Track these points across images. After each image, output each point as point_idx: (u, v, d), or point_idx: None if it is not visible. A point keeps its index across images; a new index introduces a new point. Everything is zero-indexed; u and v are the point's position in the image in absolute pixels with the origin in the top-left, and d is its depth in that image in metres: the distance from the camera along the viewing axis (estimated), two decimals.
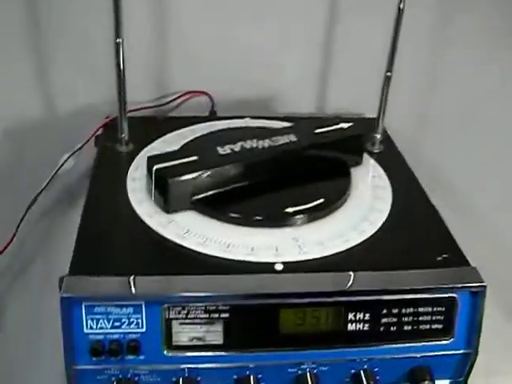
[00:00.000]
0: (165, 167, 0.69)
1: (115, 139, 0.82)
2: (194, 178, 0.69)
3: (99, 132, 0.86)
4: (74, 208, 0.85)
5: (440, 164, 0.96)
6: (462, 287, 0.63)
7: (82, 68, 0.90)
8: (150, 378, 0.63)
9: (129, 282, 0.60)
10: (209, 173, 0.70)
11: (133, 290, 0.60)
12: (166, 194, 0.68)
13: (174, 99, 0.92)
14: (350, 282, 0.62)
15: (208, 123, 0.87)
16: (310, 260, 0.64)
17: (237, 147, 0.73)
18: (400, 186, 0.76)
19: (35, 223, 0.91)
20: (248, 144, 0.74)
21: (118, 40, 0.74)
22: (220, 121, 0.87)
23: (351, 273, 0.63)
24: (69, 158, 0.85)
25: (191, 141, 0.81)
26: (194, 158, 0.71)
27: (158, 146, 0.81)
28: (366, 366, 0.65)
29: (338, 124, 0.78)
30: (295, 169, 0.73)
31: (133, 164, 0.78)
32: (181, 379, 0.63)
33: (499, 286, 0.67)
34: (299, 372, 0.64)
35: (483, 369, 0.68)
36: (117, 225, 0.69)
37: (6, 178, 0.93)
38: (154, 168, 0.69)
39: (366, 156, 0.81)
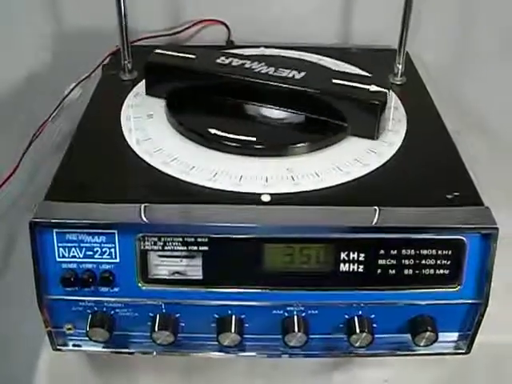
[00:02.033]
0: (160, 53, 0.71)
1: (120, 67, 0.78)
2: (175, 67, 0.69)
3: (106, 61, 0.82)
4: None
5: (473, 101, 0.88)
6: (472, 228, 0.55)
7: None
8: (126, 312, 0.59)
9: (102, 209, 0.56)
10: (195, 68, 0.68)
11: (105, 216, 0.55)
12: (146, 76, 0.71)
13: (188, 28, 0.86)
14: (344, 218, 0.56)
15: None
16: (302, 192, 0.58)
17: (236, 63, 0.69)
18: (418, 119, 0.69)
19: (43, 156, 0.88)
20: (250, 65, 0.69)
21: None
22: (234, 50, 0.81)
23: (346, 207, 0.57)
24: (75, 86, 0.82)
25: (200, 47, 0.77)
26: (192, 56, 0.70)
27: None
28: (360, 312, 0.59)
29: (365, 82, 0.66)
30: (295, 105, 0.67)
31: (132, 91, 0.74)
32: (158, 315, 0.58)
33: None
34: (286, 314, 0.59)
35: (495, 322, 0.61)
36: (104, 151, 0.65)
37: (12, 108, 0.90)
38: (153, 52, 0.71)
39: None
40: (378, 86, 0.66)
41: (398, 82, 0.76)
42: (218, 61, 0.70)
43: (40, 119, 0.81)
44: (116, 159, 0.64)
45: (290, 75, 0.68)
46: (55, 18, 0.88)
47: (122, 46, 0.76)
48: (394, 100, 0.72)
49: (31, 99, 0.88)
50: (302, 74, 0.68)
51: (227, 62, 0.70)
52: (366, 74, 0.76)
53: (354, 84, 0.66)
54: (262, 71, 0.68)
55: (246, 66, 0.69)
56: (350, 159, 0.62)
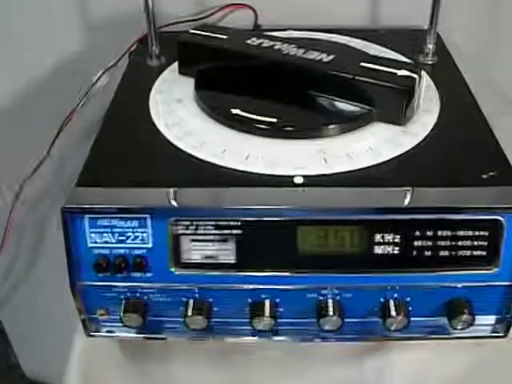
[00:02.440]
0: (193, 33, 0.72)
1: (148, 54, 0.77)
2: (207, 46, 0.70)
3: (133, 48, 0.82)
4: None
5: (505, 82, 0.86)
6: (509, 208, 0.54)
7: None
8: (160, 298, 0.59)
9: (134, 194, 0.56)
10: (226, 48, 0.69)
11: (137, 201, 0.55)
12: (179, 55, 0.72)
13: (214, 12, 0.85)
14: (379, 199, 0.55)
15: None
16: (334, 174, 0.58)
17: (267, 44, 0.69)
18: (450, 98, 0.68)
19: (73, 144, 0.89)
20: (280, 46, 0.68)
21: None
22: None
23: (380, 188, 0.56)
24: (102, 74, 0.82)
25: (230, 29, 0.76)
26: (224, 36, 0.71)
27: None
28: (396, 295, 0.58)
29: (394, 66, 0.64)
30: (323, 87, 0.66)
31: (160, 76, 0.74)
32: (191, 300, 0.58)
33: None
34: (320, 298, 0.58)
35: None
36: (133, 136, 0.65)
37: (41, 97, 0.90)
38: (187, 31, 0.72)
39: None
40: (407, 70, 0.64)
41: (430, 62, 0.75)
42: (249, 41, 0.70)
43: (68, 108, 0.81)
44: (146, 144, 0.64)
45: (319, 58, 0.67)
46: (82, 5, 0.88)
47: (149, 32, 0.75)
48: (425, 80, 0.71)
49: (59, 88, 0.89)
50: (331, 56, 0.67)
51: (258, 42, 0.69)
52: (397, 55, 0.75)
53: (383, 68, 0.64)
54: (291, 53, 0.67)
55: (276, 47, 0.68)
56: (383, 140, 0.61)
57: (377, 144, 0.61)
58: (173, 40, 0.74)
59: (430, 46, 0.74)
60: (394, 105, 0.63)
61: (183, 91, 0.70)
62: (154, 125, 0.65)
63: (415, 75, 0.63)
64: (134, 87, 0.73)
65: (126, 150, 0.63)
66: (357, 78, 0.64)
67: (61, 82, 0.89)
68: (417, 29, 0.80)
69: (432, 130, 0.63)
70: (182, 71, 0.73)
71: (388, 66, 0.65)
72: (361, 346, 0.64)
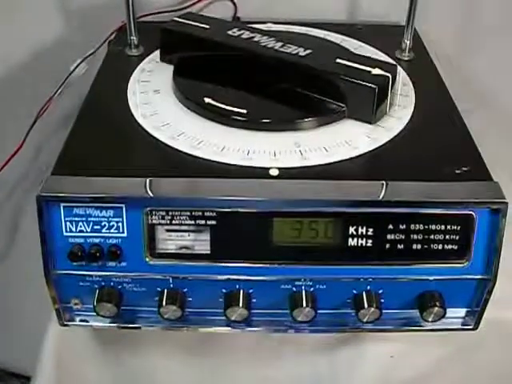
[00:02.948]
0: (177, 21, 0.73)
1: (126, 43, 0.77)
2: (188, 35, 0.71)
3: (112, 37, 0.82)
4: None
5: (482, 78, 0.87)
6: (481, 203, 0.55)
7: None
8: (134, 288, 0.59)
9: (110, 183, 0.56)
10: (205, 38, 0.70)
11: (113, 190, 0.55)
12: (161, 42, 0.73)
13: (195, 3, 0.86)
14: (353, 192, 0.56)
15: None
16: (310, 166, 0.58)
17: (246, 35, 0.70)
18: (426, 94, 0.69)
19: (49, 133, 0.88)
20: (259, 38, 0.69)
21: None
22: None
23: (354, 181, 0.56)
24: (81, 63, 0.81)
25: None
26: (206, 26, 0.71)
27: None
28: (368, 287, 0.59)
29: (369, 65, 0.64)
30: (300, 81, 0.66)
31: (139, 66, 0.74)
32: (165, 290, 0.58)
33: None
34: (294, 289, 0.59)
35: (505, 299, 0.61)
36: (110, 125, 0.65)
37: (17, 85, 0.90)
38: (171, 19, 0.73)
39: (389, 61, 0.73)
40: (382, 69, 0.64)
41: (406, 58, 0.76)
42: (230, 32, 0.70)
43: (45, 96, 0.80)
44: (123, 133, 0.64)
45: (296, 51, 0.67)
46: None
47: (128, 20, 0.75)
48: (401, 75, 0.71)
49: (36, 76, 0.88)
50: (308, 51, 0.67)
51: (238, 33, 0.70)
52: (374, 50, 0.76)
53: (358, 65, 0.65)
54: (269, 45, 0.68)
55: (256, 39, 0.69)
56: (358, 134, 0.62)
57: (352, 138, 0.61)
58: (152, 29, 0.75)
59: (407, 42, 0.75)
60: (365, 103, 0.63)
61: (161, 81, 0.70)
62: (131, 114, 0.65)
63: (389, 74, 0.64)
64: (113, 76, 0.73)
65: (103, 139, 0.63)
66: (330, 73, 0.64)
67: (39, 71, 0.88)
68: (395, 25, 0.81)
69: (407, 125, 0.64)
70: (164, 59, 0.73)
71: (363, 64, 0.65)
72: (333, 337, 0.65)
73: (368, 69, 0.64)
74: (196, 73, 0.70)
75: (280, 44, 0.68)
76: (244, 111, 0.63)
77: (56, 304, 0.60)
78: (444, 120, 0.66)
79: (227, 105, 0.63)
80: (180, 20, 0.73)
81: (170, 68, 0.71)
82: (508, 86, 0.89)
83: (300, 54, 0.67)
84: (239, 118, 0.62)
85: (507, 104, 0.90)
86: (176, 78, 0.68)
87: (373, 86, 0.62)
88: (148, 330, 0.62)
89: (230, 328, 0.61)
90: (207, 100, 0.64)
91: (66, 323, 0.61)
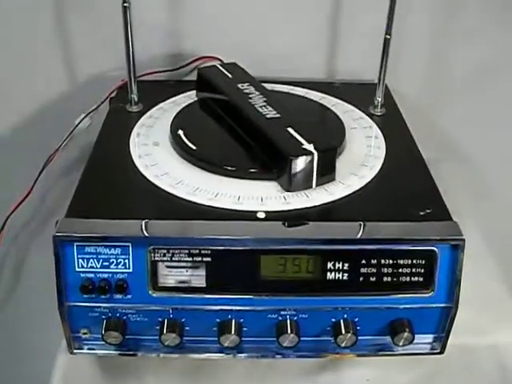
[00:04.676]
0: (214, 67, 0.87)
1: (127, 100, 0.86)
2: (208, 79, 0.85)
3: (113, 94, 0.90)
4: None
5: (449, 130, 0.97)
6: (442, 240, 0.64)
7: (100, 36, 0.94)
8: (137, 318, 0.66)
9: (117, 225, 0.64)
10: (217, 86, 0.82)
11: (120, 231, 0.63)
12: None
13: (188, 64, 0.94)
14: (330, 231, 0.64)
15: None
16: (293, 210, 0.66)
17: (245, 90, 0.80)
18: (396, 146, 0.77)
19: (53, 181, 0.96)
20: (252, 95, 0.79)
21: (125, 4, 0.78)
22: None
23: (331, 222, 0.65)
24: (84, 117, 0.89)
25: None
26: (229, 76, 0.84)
27: (167, 107, 0.85)
28: (345, 316, 0.66)
29: (308, 139, 0.69)
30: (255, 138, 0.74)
31: (140, 121, 0.82)
32: (166, 320, 0.66)
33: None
34: (280, 318, 0.66)
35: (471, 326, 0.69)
36: (115, 175, 0.73)
37: (26, 138, 0.98)
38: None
39: (364, 117, 0.83)
40: (316, 147, 0.68)
41: (378, 113, 0.85)
42: (239, 85, 0.81)
43: (51, 149, 0.88)
44: (127, 181, 0.72)
45: (265, 112, 0.75)
46: (67, 58, 0.96)
47: (129, 79, 0.83)
48: (374, 129, 0.81)
49: (43, 130, 0.96)
50: (274, 113, 0.75)
51: (244, 87, 0.81)
52: (351, 107, 0.85)
53: (299, 138, 0.70)
54: (255, 102, 0.77)
55: (251, 95, 0.78)
56: (335, 181, 0.70)
57: (330, 184, 0.70)
58: (151, 88, 0.86)
59: (379, 99, 0.84)
60: (283, 169, 0.68)
61: (160, 135, 0.78)
62: (135, 165, 0.73)
63: (314, 151, 0.68)
64: (116, 131, 0.81)
65: (110, 186, 0.71)
66: (270, 138, 0.71)
67: (45, 125, 0.96)
68: (368, 82, 0.90)
69: (378, 173, 0.72)
70: (197, 95, 0.86)
71: (305, 139, 0.70)
72: (315, 362, 0.72)
73: (304, 142, 0.69)
74: (192, 124, 0.78)
75: (263, 103, 0.77)
76: (234, 163, 0.71)
77: (67, 333, 0.67)
78: (411, 169, 0.74)
79: (219, 156, 0.72)
80: (218, 67, 0.86)
81: (168, 122, 0.79)
82: (473, 136, 0.98)
83: (267, 115, 0.74)
84: (230, 168, 0.71)
85: (472, 154, 0.99)
86: (173, 132, 0.77)
87: (287, 155, 0.67)
88: (148, 359, 0.69)
89: (223, 354, 0.68)
90: (201, 153, 0.72)
91: (75, 351, 0.68)
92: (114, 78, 0.91)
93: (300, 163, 0.68)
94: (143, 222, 0.64)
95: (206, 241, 0.63)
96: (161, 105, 0.85)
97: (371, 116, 0.84)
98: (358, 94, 0.89)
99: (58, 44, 0.94)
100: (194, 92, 0.87)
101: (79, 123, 0.89)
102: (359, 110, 0.85)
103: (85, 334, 0.67)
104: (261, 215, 0.65)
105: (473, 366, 0.73)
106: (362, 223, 0.64)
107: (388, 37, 0.80)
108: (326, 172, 0.69)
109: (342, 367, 0.72)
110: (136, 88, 0.84)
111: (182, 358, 0.70)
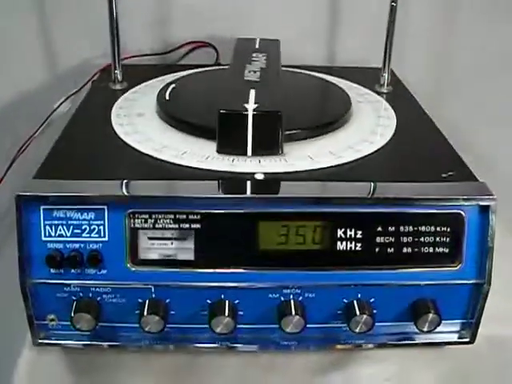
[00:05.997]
0: None
1: (110, 81, 0.78)
2: None
3: (96, 77, 0.83)
4: None
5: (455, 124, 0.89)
6: (469, 199, 0.54)
7: (85, 24, 0.88)
8: (114, 299, 0.56)
9: (91, 185, 0.55)
10: None
11: (94, 191, 0.54)
12: None
13: (177, 48, 0.88)
14: (340, 191, 0.55)
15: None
16: (295, 172, 0.58)
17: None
18: (407, 117, 0.70)
19: (28, 168, 0.87)
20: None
21: None
22: None
23: (340, 182, 0.56)
24: (64, 100, 0.82)
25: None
26: None
27: (155, 84, 0.77)
28: (359, 295, 0.56)
29: None
30: None
31: (123, 96, 0.74)
32: (147, 300, 0.55)
33: None
34: (282, 298, 0.56)
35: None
36: (93, 141, 0.65)
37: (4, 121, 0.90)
38: None
39: (371, 93, 0.76)
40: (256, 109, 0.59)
41: (385, 91, 0.78)
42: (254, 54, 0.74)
43: (27, 136, 0.80)
44: (106, 147, 0.63)
45: (248, 76, 0.68)
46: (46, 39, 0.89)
47: (113, 56, 0.76)
48: (383, 103, 0.73)
49: (18, 116, 0.89)
50: (256, 78, 0.67)
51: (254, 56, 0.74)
52: (356, 85, 0.78)
53: (251, 99, 0.62)
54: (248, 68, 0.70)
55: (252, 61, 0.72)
56: (344, 146, 0.62)
57: (338, 149, 0.61)
58: (135, 71, 0.79)
59: (385, 75, 0.77)
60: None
61: (145, 106, 0.70)
62: (115, 133, 0.65)
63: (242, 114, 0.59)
64: (97, 104, 0.73)
65: (86, 150, 0.62)
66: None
67: (26, 113, 0.88)
68: (371, 67, 0.83)
69: (390, 140, 0.64)
70: None
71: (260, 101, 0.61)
72: (326, 358, 0.61)
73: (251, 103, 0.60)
74: (181, 93, 0.71)
75: (258, 70, 0.69)
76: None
77: (31, 319, 0.56)
78: (427, 135, 0.66)
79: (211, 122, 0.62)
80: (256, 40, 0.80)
81: (154, 95, 0.71)
82: (480, 126, 0.92)
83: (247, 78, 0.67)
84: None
85: (479, 144, 0.91)
86: (159, 99, 0.69)
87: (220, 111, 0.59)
88: (126, 355, 0.59)
89: (215, 344, 0.58)
90: (189, 116, 0.65)
91: (40, 342, 0.58)
92: (98, 66, 0.84)
93: (229, 120, 0.59)
94: (121, 181, 0.55)
95: (195, 201, 0.54)
96: (148, 82, 0.78)
97: (378, 93, 0.76)
98: (363, 76, 0.82)
99: (39, 31, 0.88)
100: (185, 72, 0.80)
101: (58, 107, 0.81)
102: (364, 87, 0.78)
103: (52, 320, 0.57)
104: (259, 176, 0.56)
105: (505, 363, 0.63)
106: (374, 183, 0.55)
107: (394, 4, 0.73)
108: (265, 138, 0.59)
109: (357, 365, 0.61)
110: (120, 66, 0.77)
111: (164, 356, 0.60)
